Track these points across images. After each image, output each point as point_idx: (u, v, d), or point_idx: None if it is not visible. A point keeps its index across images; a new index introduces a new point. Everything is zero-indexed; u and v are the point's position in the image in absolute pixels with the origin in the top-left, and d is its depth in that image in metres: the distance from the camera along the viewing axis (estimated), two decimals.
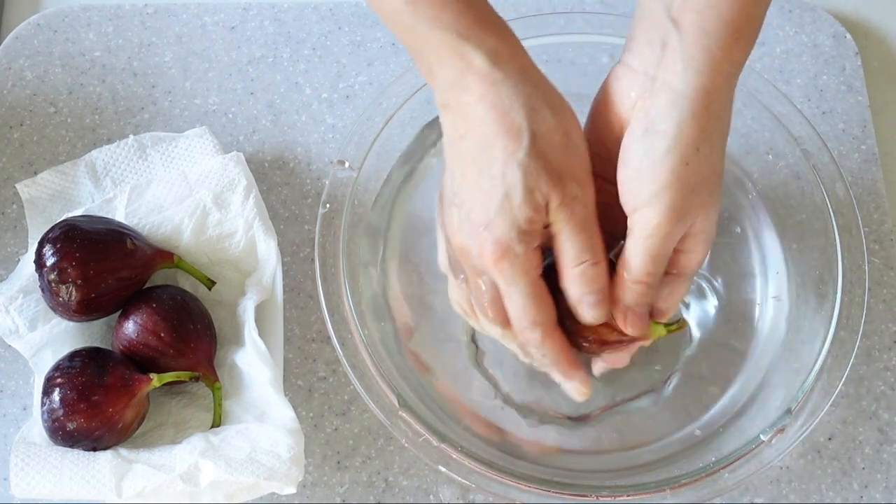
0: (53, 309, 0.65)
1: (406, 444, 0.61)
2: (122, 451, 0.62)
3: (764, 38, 0.80)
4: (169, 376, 0.64)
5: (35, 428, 0.64)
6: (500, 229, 0.53)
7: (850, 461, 0.68)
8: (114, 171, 0.72)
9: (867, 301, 0.65)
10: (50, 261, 0.63)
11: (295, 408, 0.64)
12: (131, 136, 0.72)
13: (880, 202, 0.75)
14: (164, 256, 0.68)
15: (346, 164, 0.68)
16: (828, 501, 0.67)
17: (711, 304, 0.70)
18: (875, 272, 0.73)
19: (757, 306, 0.69)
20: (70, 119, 0.77)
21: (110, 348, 0.66)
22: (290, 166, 0.76)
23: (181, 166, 0.71)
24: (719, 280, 0.70)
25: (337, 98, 0.79)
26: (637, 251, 0.55)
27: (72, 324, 0.67)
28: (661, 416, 0.67)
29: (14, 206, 0.74)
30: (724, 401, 0.67)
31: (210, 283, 0.69)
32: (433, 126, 0.70)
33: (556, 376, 0.59)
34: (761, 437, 0.61)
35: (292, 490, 0.62)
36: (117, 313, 0.67)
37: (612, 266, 0.58)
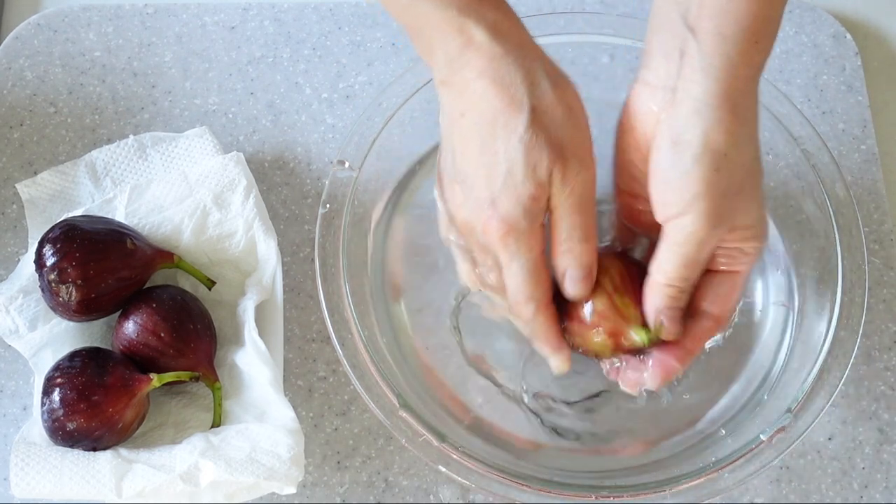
0: (53, 309, 0.65)
1: (406, 444, 0.61)
2: (122, 451, 0.62)
3: None
4: (169, 376, 0.64)
5: (35, 428, 0.64)
6: (504, 206, 0.53)
7: (850, 461, 0.68)
8: (114, 171, 0.72)
9: (867, 301, 0.65)
10: (50, 261, 0.63)
11: (295, 408, 0.64)
12: (131, 136, 0.72)
13: (880, 202, 0.75)
14: (164, 256, 0.68)
15: (346, 164, 0.68)
16: (828, 501, 0.67)
17: None
18: (875, 272, 0.73)
19: (756, 306, 0.69)
20: (70, 119, 0.77)
21: (110, 348, 0.66)
22: (290, 166, 0.76)
23: (181, 166, 0.71)
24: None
25: (337, 98, 0.79)
26: (671, 258, 0.55)
27: (72, 324, 0.67)
28: (662, 415, 0.67)
29: (14, 206, 0.74)
30: (724, 401, 0.67)
31: (210, 283, 0.69)
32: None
33: (541, 349, 0.60)
34: (761, 437, 0.61)
35: (292, 490, 0.62)
36: (117, 313, 0.67)
37: (638, 266, 0.59)
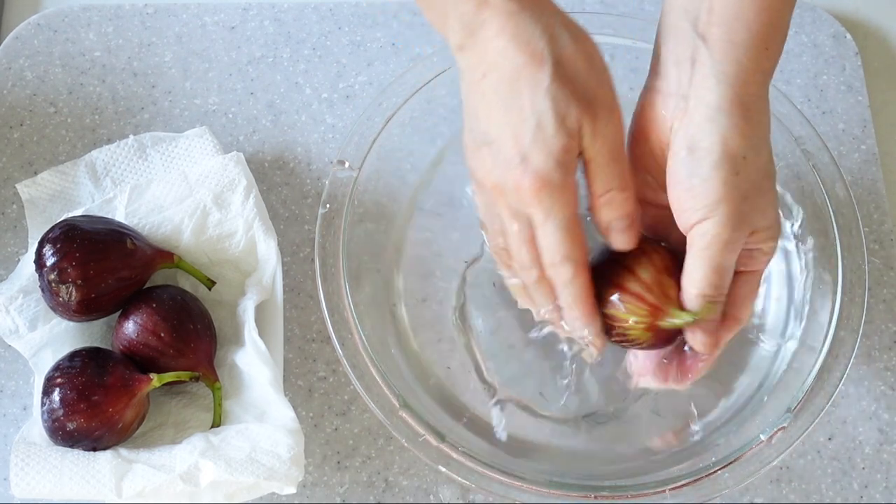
0: (53, 309, 0.65)
1: (406, 444, 0.61)
2: (122, 451, 0.62)
3: None
4: (169, 376, 0.64)
5: (35, 428, 0.64)
6: (536, 160, 0.53)
7: (850, 461, 0.68)
8: (114, 171, 0.72)
9: (867, 301, 0.65)
10: (50, 261, 0.63)
11: (295, 408, 0.64)
12: (131, 136, 0.72)
13: (880, 202, 0.76)
14: (164, 256, 0.68)
15: (346, 164, 0.68)
16: (828, 501, 0.67)
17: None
18: (875, 272, 0.73)
19: (756, 306, 0.69)
20: (70, 119, 0.77)
21: (110, 348, 0.66)
22: (290, 166, 0.76)
23: (181, 166, 0.71)
24: None
25: (337, 98, 0.79)
26: (699, 264, 0.55)
27: (72, 324, 0.67)
28: (662, 416, 0.67)
29: (14, 206, 0.74)
30: (724, 401, 0.67)
31: (210, 283, 0.69)
32: None
33: (575, 321, 0.58)
34: (761, 437, 0.61)
35: (292, 490, 0.62)
36: (117, 313, 0.67)
37: (678, 256, 0.58)
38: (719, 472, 0.61)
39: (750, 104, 0.53)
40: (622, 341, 0.59)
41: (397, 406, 0.62)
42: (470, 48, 0.54)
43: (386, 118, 0.69)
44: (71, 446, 0.62)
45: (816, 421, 0.62)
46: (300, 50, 0.80)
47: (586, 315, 0.57)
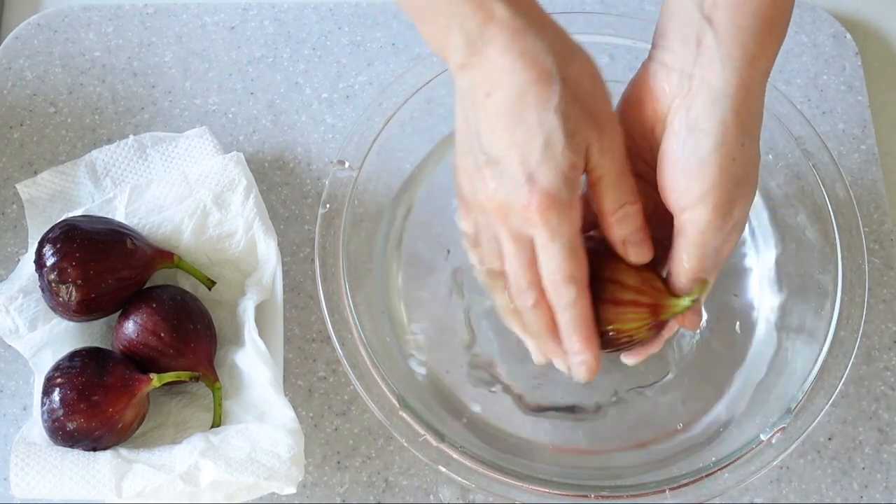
0: (53, 309, 0.65)
1: (406, 444, 0.61)
2: (122, 451, 0.62)
3: None
4: (169, 376, 0.64)
5: (35, 428, 0.64)
6: (545, 178, 0.52)
7: (850, 461, 0.68)
8: (114, 171, 0.72)
9: (867, 301, 0.65)
10: (50, 261, 0.63)
11: (295, 408, 0.64)
12: (131, 136, 0.72)
13: (880, 202, 0.75)
14: (164, 256, 0.68)
15: (346, 164, 0.68)
16: (828, 501, 0.67)
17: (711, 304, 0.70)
18: (875, 272, 0.73)
19: (757, 306, 0.69)
20: (70, 119, 0.77)
21: (110, 348, 0.66)
22: (290, 166, 0.76)
23: (181, 166, 0.71)
24: (719, 280, 0.70)
25: (337, 98, 0.79)
26: (691, 250, 0.55)
27: (72, 324, 0.67)
28: (661, 415, 0.67)
29: (14, 206, 0.74)
30: (723, 401, 0.67)
31: (210, 283, 0.69)
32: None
33: (575, 345, 0.57)
34: (761, 437, 0.61)
35: (292, 490, 0.62)
36: (117, 313, 0.67)
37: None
38: (719, 472, 0.61)
39: (752, 90, 0.54)
40: (624, 346, 0.60)
41: (397, 406, 0.62)
42: (473, 66, 0.53)
43: (386, 118, 0.69)
44: (71, 446, 0.62)
45: (816, 421, 0.62)
46: (300, 50, 0.80)
47: (586, 339, 0.56)
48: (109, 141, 0.75)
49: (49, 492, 0.61)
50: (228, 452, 0.61)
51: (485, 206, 0.55)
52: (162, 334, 0.64)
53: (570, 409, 0.67)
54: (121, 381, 0.62)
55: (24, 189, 0.71)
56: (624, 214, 0.56)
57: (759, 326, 0.69)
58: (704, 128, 0.53)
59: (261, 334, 0.65)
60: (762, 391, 0.66)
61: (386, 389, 0.62)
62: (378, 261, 0.70)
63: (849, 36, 0.81)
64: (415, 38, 0.81)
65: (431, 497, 0.67)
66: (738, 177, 0.54)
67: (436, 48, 0.55)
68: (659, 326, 0.59)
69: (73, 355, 0.64)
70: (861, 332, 0.64)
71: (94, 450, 0.62)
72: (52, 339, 0.66)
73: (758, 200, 0.71)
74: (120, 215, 0.69)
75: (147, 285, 0.68)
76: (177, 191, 0.69)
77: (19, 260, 0.70)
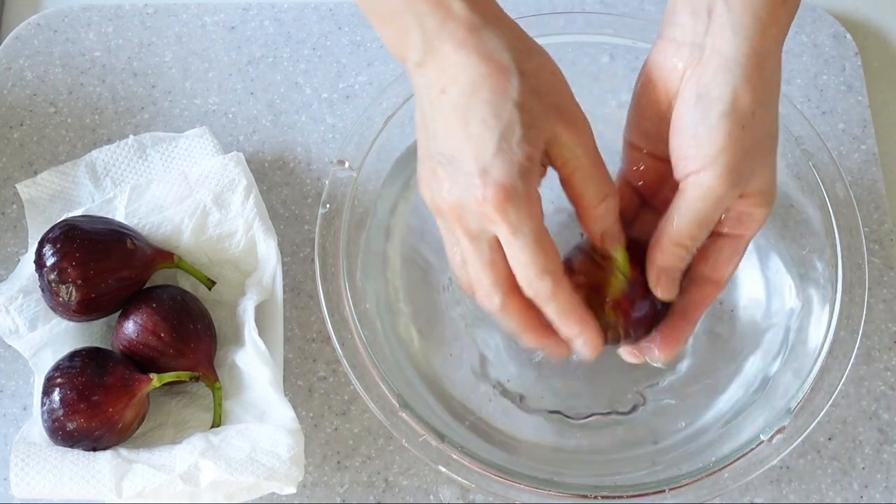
0: (53, 309, 0.65)
1: (406, 444, 0.61)
2: (122, 451, 0.62)
3: None
4: (169, 376, 0.64)
5: (35, 428, 0.64)
6: (498, 171, 0.51)
7: (850, 461, 0.68)
8: (114, 171, 0.72)
9: (867, 301, 0.65)
10: (50, 261, 0.63)
11: (295, 408, 0.64)
12: (131, 136, 0.72)
13: (880, 202, 0.75)
14: (164, 256, 0.68)
15: (346, 164, 0.68)
16: (828, 501, 0.67)
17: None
18: (875, 272, 0.73)
19: (756, 306, 0.69)
20: (70, 119, 0.77)
21: (110, 348, 0.66)
22: (290, 166, 0.76)
23: (181, 166, 0.71)
24: None
25: (337, 98, 0.79)
26: (686, 213, 0.54)
27: (72, 324, 0.67)
28: (661, 416, 0.67)
29: (14, 206, 0.74)
30: (723, 401, 0.67)
31: (210, 283, 0.69)
32: None
33: (571, 329, 0.55)
34: (761, 437, 0.61)
35: (292, 490, 0.62)
36: (117, 313, 0.67)
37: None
38: (719, 472, 0.61)
39: (764, 59, 0.53)
40: (612, 336, 0.59)
41: (397, 406, 0.62)
42: (429, 63, 0.52)
43: (386, 118, 0.69)
44: (71, 446, 0.62)
45: (816, 421, 0.62)
46: (300, 50, 0.80)
47: (580, 321, 0.55)
48: (109, 141, 0.75)
49: (49, 492, 0.61)
50: (228, 452, 0.61)
51: (442, 209, 0.54)
52: (162, 334, 0.64)
53: (570, 410, 0.67)
54: (121, 381, 0.62)
55: (24, 189, 0.71)
56: (606, 208, 0.55)
57: (758, 326, 0.69)
58: (715, 95, 0.52)
59: (261, 334, 0.65)
60: (762, 391, 0.66)
61: (386, 389, 0.62)
62: (378, 260, 0.70)
63: (849, 36, 0.81)
64: None
65: (431, 497, 0.67)
66: (749, 146, 0.53)
67: (395, 50, 0.54)
68: (625, 307, 0.57)
69: (73, 355, 0.64)
70: (861, 332, 0.64)
71: (94, 450, 0.62)
72: (52, 339, 0.66)
73: None
74: (120, 215, 0.69)
75: (147, 285, 0.68)
76: (177, 191, 0.69)
77: (19, 260, 0.70)
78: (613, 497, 0.60)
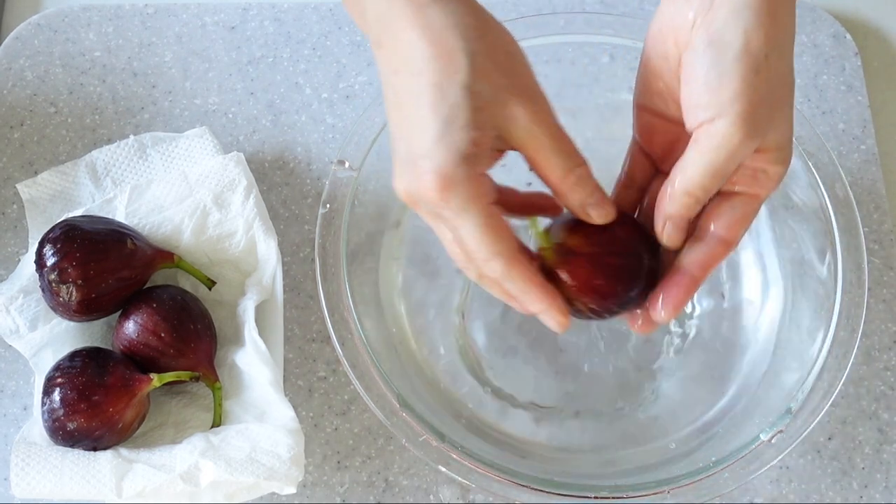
0: (54, 309, 0.65)
1: (406, 444, 0.61)
2: (123, 451, 0.62)
3: None
4: (169, 376, 0.64)
5: (35, 428, 0.64)
6: (438, 157, 0.49)
7: (850, 461, 0.68)
8: (114, 171, 0.72)
9: (867, 301, 0.65)
10: (50, 261, 0.63)
11: (295, 408, 0.64)
12: (131, 136, 0.72)
13: (880, 202, 0.75)
14: (164, 256, 0.68)
15: (346, 164, 0.68)
16: (828, 501, 0.67)
17: (710, 303, 0.70)
18: (875, 272, 0.73)
19: (756, 306, 0.69)
20: (70, 119, 0.77)
21: (110, 348, 0.66)
22: (290, 166, 0.76)
23: (181, 166, 0.71)
24: (719, 279, 0.70)
25: (337, 98, 0.79)
26: (699, 162, 0.52)
27: (72, 324, 0.67)
28: (661, 415, 0.67)
29: (14, 206, 0.74)
30: (723, 401, 0.67)
31: (210, 283, 0.69)
32: None
33: (533, 306, 0.54)
34: (761, 437, 0.61)
35: (292, 490, 0.62)
36: (117, 313, 0.67)
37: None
38: (719, 472, 0.61)
39: (777, 4, 0.51)
40: (585, 302, 0.56)
41: (397, 406, 0.62)
42: (386, 44, 0.51)
43: (386, 118, 0.69)
44: (71, 446, 0.62)
45: (816, 421, 0.62)
46: (300, 50, 0.80)
47: (540, 296, 0.53)
48: (109, 141, 0.75)
49: (49, 492, 0.61)
50: (228, 452, 0.61)
51: (400, 193, 0.52)
52: (162, 334, 0.64)
53: (569, 410, 0.67)
54: (121, 381, 0.62)
55: (25, 189, 0.71)
56: (577, 178, 0.53)
57: (758, 326, 0.69)
58: (726, 39, 0.50)
59: (261, 334, 0.65)
60: (762, 391, 0.66)
61: (386, 389, 0.62)
62: (378, 260, 0.70)
63: (849, 36, 0.81)
64: None
65: (431, 497, 0.67)
66: (764, 93, 0.51)
67: (361, 27, 0.53)
68: (583, 278, 0.55)
69: (74, 355, 0.64)
70: (861, 332, 0.64)
71: (95, 450, 0.62)
72: (53, 339, 0.66)
73: None
74: (120, 215, 0.69)
75: (147, 285, 0.68)
76: (177, 191, 0.69)
77: (19, 260, 0.70)
78: (613, 497, 0.60)
